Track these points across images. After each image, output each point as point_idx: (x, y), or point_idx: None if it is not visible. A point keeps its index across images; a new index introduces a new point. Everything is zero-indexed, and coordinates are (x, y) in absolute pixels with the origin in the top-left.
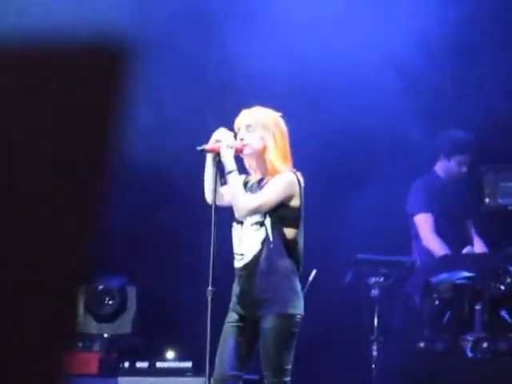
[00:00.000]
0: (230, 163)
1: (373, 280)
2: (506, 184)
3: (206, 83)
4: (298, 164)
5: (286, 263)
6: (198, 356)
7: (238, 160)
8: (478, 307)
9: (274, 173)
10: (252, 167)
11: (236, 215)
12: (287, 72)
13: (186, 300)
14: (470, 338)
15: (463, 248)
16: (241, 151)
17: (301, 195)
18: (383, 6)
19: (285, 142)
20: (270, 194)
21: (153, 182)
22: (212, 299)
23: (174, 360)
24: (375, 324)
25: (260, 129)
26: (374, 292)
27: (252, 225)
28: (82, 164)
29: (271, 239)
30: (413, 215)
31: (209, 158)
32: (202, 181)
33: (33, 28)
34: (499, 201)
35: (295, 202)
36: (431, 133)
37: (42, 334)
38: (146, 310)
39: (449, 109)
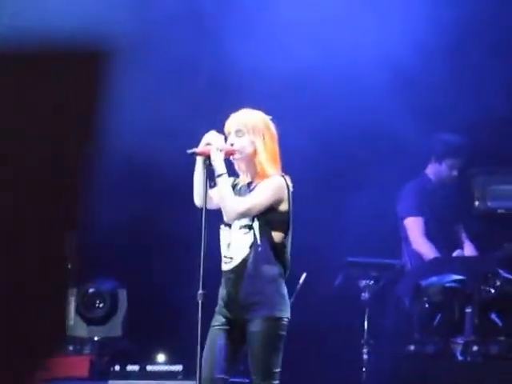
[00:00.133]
0: (220, 166)
1: (363, 283)
2: (495, 187)
3: (202, 84)
4: (289, 166)
5: (273, 267)
6: (189, 359)
7: (227, 162)
8: (468, 310)
9: (264, 176)
10: (241, 170)
11: (225, 218)
12: (282, 73)
13: (177, 303)
14: (460, 341)
15: (453, 251)
16: (231, 155)
17: (289, 199)
18: (379, 6)
19: (274, 146)
20: (260, 197)
21: (145, 185)
22: (203, 302)
23: (165, 363)
24: (365, 327)
25: (250, 133)
26: (365, 295)
27: (240, 228)
28: (62, 161)
29: (259, 243)
30: (403, 218)
31: (199, 161)
32: (192, 183)
33: (27, 30)
34: (489, 204)
35: (284, 206)
36: (427, 134)
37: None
38: (136, 314)
39: (444, 110)
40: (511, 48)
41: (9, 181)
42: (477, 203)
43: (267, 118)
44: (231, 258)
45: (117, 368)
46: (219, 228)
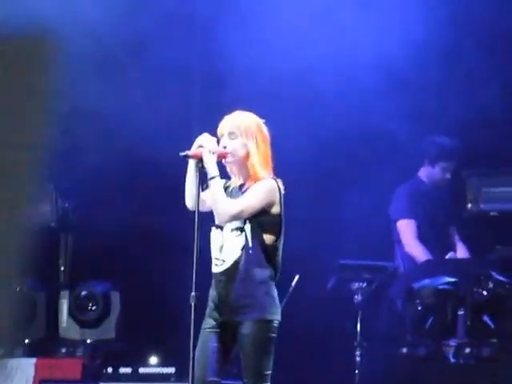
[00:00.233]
0: (212, 169)
1: (356, 285)
2: (488, 189)
3: (198, 84)
4: (284, 167)
5: (264, 270)
6: (182, 362)
7: (218, 164)
8: (460, 312)
9: (256, 179)
10: (233, 172)
11: (216, 220)
12: (278, 74)
13: (170, 305)
14: (452, 343)
15: (446, 253)
16: (223, 157)
17: (281, 202)
18: (375, 8)
19: (267, 148)
20: (252, 200)
21: (138, 186)
22: (195, 304)
23: (158, 366)
24: (358, 329)
25: (243, 136)
26: (357, 297)
27: (232, 230)
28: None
29: (251, 245)
30: (396, 221)
31: (191, 163)
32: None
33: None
34: (481, 206)
35: (276, 209)
36: (422, 135)
37: None
38: (129, 316)
39: (439, 111)
40: (506, 49)
41: None
42: (469, 205)
43: (260, 121)
44: (223, 260)
45: (109, 370)
46: (210, 230)
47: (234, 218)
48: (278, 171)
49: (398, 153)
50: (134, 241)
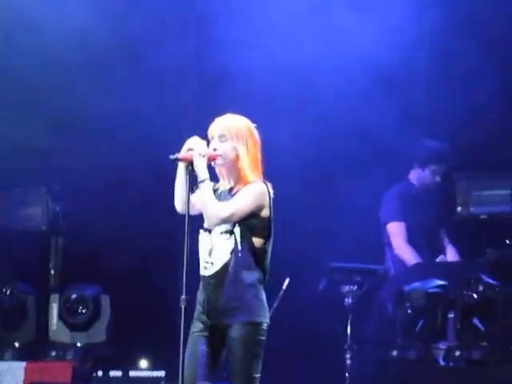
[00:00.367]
0: (202, 172)
1: (346, 288)
2: (478, 193)
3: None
4: (275, 168)
5: (253, 272)
6: (172, 365)
7: (208, 167)
8: (450, 316)
9: (245, 182)
10: (222, 175)
11: (206, 223)
12: (267, 75)
13: (160, 309)
14: (442, 346)
15: (436, 256)
16: (213, 160)
17: (270, 206)
18: (368, 8)
19: (257, 152)
20: (242, 203)
21: (128, 189)
22: (185, 307)
23: (148, 369)
24: (349, 332)
25: (233, 138)
26: (348, 300)
27: (221, 233)
28: None
29: (240, 248)
30: (386, 223)
31: (181, 166)
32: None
33: None
34: (471, 209)
35: (265, 212)
36: (413, 137)
37: None
38: (119, 319)
39: (429, 112)
40: (497, 51)
41: None
42: (459, 208)
43: (251, 125)
44: (212, 263)
45: (99, 374)
46: (198, 233)
47: (224, 221)
48: (269, 173)
49: (390, 155)
50: (124, 244)
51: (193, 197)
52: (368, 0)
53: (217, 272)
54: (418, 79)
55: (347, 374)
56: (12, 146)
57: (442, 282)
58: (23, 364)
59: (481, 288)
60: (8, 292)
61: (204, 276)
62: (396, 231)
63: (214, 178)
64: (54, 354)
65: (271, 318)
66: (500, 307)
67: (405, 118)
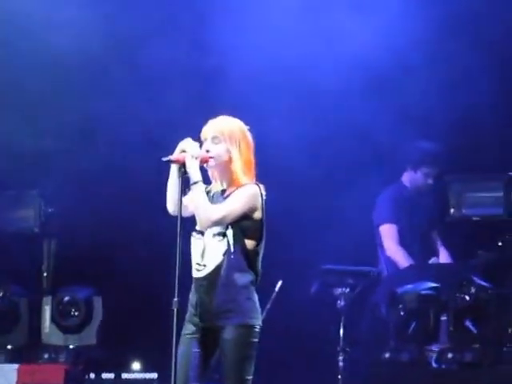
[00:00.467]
0: (195, 174)
1: (339, 290)
2: (470, 194)
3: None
4: (265, 172)
5: (245, 274)
6: (164, 367)
7: (201, 170)
8: (443, 318)
9: (238, 184)
10: (215, 177)
11: (199, 225)
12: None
13: (152, 311)
14: (435, 348)
15: (429, 258)
16: (206, 162)
17: (263, 207)
18: (362, 8)
19: (250, 155)
20: (234, 205)
21: (120, 192)
22: (178, 310)
23: (140, 371)
24: (341, 334)
25: (226, 140)
26: (340, 302)
27: (214, 235)
28: None
29: (232, 250)
30: (378, 225)
31: (173, 168)
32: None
33: None
34: (464, 211)
35: (257, 214)
36: (405, 139)
37: None
38: (111, 321)
39: (422, 115)
40: (491, 52)
41: None
42: (452, 211)
43: (244, 127)
44: (204, 265)
45: (92, 376)
46: (190, 235)
47: (217, 223)
48: (261, 175)
49: (385, 157)
50: (116, 247)
51: (185, 199)
52: (365, 0)
53: (209, 274)
54: (411, 81)
55: (340, 376)
56: (5, 148)
57: (434, 284)
58: (16, 366)
59: (473, 290)
60: (0, 294)
61: (196, 278)
62: (388, 233)
63: (206, 180)
64: (46, 356)
65: (264, 320)
66: (492, 309)
67: (398, 120)
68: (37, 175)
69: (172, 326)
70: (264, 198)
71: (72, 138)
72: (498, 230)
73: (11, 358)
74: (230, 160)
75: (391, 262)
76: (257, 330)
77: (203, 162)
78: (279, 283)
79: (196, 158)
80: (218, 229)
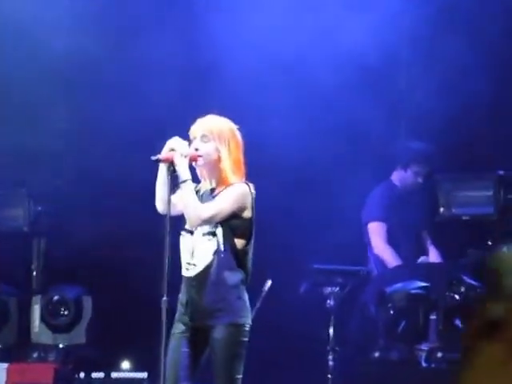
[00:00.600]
0: (184, 172)
1: (329, 290)
2: (460, 193)
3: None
4: (253, 171)
5: (235, 273)
6: (154, 366)
7: (190, 169)
8: (432, 317)
9: (227, 183)
10: (203, 176)
11: (188, 224)
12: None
13: (142, 310)
14: (424, 347)
15: (418, 257)
16: (195, 160)
17: (253, 206)
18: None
19: (239, 154)
20: (224, 204)
21: (110, 190)
22: (167, 309)
23: (130, 370)
24: (331, 334)
25: (215, 139)
26: (330, 302)
27: (204, 235)
28: None
29: (222, 249)
30: (366, 223)
31: (162, 167)
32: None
33: None
34: (453, 210)
35: (247, 213)
36: (396, 138)
37: None
38: (101, 321)
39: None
40: (484, 49)
41: None
42: (442, 210)
43: (234, 126)
44: (194, 264)
45: (81, 375)
46: (179, 234)
47: (206, 222)
48: (251, 174)
49: (375, 155)
50: (106, 246)
51: (174, 197)
52: None
53: (199, 273)
54: (401, 79)
55: (329, 376)
56: None
57: (424, 283)
58: (5, 365)
59: (463, 289)
60: None
61: (186, 277)
62: (376, 231)
63: (195, 179)
64: (35, 355)
65: (253, 320)
66: None
67: (389, 118)
68: (26, 174)
69: (161, 325)
70: (253, 196)
71: (61, 136)
72: (487, 229)
73: (1, 358)
74: (219, 159)
75: (381, 262)
76: (247, 328)
77: (192, 160)
78: (268, 282)
79: (185, 157)
80: (207, 228)
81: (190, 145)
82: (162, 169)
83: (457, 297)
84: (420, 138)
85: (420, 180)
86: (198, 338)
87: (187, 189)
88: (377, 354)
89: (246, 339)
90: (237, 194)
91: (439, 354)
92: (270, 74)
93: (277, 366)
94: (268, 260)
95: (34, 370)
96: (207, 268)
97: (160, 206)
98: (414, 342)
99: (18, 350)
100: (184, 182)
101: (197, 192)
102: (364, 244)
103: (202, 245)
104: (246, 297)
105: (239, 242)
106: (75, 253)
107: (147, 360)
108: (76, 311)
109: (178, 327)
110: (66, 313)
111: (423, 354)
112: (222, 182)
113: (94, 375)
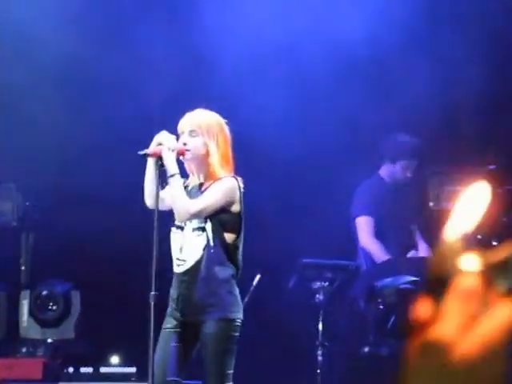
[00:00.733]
0: (172, 166)
1: (318, 284)
2: (450, 188)
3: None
4: (243, 165)
5: (226, 268)
6: (143, 361)
7: (178, 163)
8: None
9: (215, 178)
10: (192, 171)
11: (177, 219)
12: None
13: (131, 305)
14: None
15: (408, 252)
16: (182, 154)
17: (241, 200)
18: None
19: (227, 149)
20: (212, 198)
21: (98, 185)
22: (155, 304)
23: (119, 365)
24: (320, 329)
25: (204, 134)
26: (319, 297)
27: (193, 230)
28: None
29: (212, 244)
30: (354, 218)
31: (150, 161)
32: (143, 185)
33: None
34: (443, 205)
35: (236, 208)
36: (384, 132)
37: None
38: (90, 315)
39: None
40: (476, 44)
41: None
42: (431, 204)
43: (222, 121)
44: (184, 260)
45: (70, 370)
46: (170, 230)
47: (194, 216)
48: (239, 167)
49: (367, 149)
50: (94, 240)
51: (163, 192)
52: None
53: (189, 269)
54: (391, 73)
55: (319, 371)
56: None
57: (413, 278)
58: None
59: None
60: None
61: (177, 273)
62: (363, 225)
63: (183, 174)
64: (24, 350)
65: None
66: None
67: (378, 112)
68: (14, 168)
69: (150, 319)
70: (242, 190)
71: (51, 131)
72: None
73: None
74: (208, 153)
75: (370, 256)
76: (238, 323)
77: (180, 154)
78: (257, 277)
79: (173, 151)
80: (196, 223)
81: (178, 139)
82: (150, 163)
83: None
84: (412, 130)
85: (409, 174)
86: (188, 332)
87: (175, 183)
88: (366, 350)
89: (237, 334)
90: (225, 188)
91: None
92: (262, 63)
93: (266, 360)
94: (257, 254)
95: (22, 364)
96: (197, 263)
97: (149, 200)
98: (404, 337)
99: (7, 344)
100: (172, 176)
101: (185, 187)
102: (353, 239)
103: (191, 240)
104: (236, 291)
105: (229, 237)
106: (64, 248)
107: (136, 355)
108: (65, 306)
109: (169, 322)
110: (54, 307)
111: None
112: (210, 176)
113: (83, 370)
